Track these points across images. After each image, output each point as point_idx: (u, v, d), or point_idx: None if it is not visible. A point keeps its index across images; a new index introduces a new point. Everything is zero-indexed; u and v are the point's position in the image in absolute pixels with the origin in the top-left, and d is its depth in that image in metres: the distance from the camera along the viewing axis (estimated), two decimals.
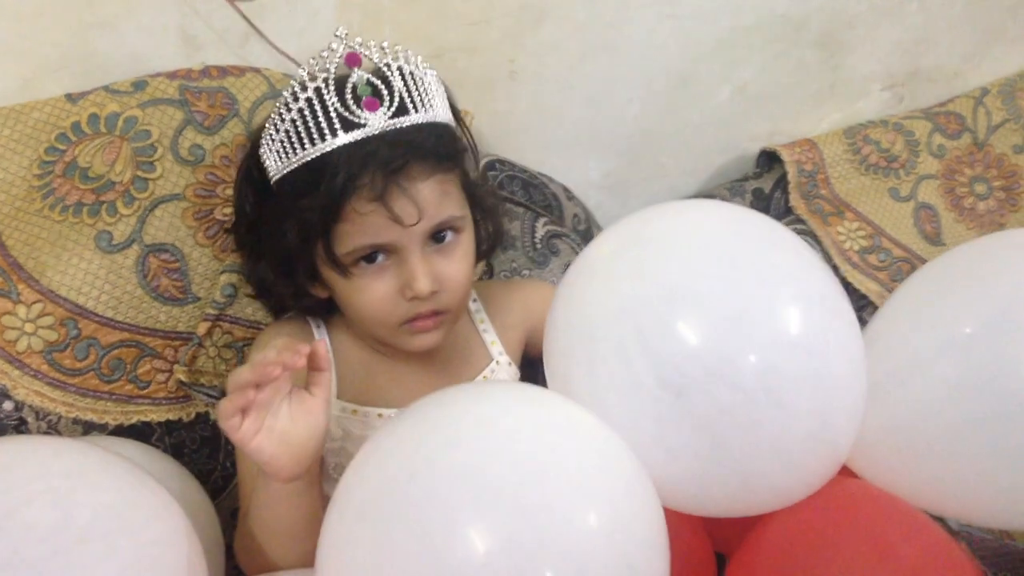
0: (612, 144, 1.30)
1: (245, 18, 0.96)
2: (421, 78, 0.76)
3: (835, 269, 1.25)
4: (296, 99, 0.73)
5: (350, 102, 0.73)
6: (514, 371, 0.92)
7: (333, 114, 0.72)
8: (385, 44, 0.75)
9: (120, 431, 0.88)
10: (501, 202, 0.96)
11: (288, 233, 0.78)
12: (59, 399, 0.85)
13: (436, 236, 0.78)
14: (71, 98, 0.90)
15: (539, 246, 1.09)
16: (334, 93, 0.72)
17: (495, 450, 0.55)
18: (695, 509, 0.67)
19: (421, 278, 0.76)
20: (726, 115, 1.35)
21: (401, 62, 0.75)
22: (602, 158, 1.31)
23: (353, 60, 0.73)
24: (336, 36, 0.74)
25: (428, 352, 0.85)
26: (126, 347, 0.89)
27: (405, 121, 0.74)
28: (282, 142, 0.75)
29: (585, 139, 1.27)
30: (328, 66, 0.73)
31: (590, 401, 0.65)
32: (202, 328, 0.90)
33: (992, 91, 1.48)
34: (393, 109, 0.74)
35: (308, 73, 0.73)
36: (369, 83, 0.73)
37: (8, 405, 0.84)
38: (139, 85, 0.92)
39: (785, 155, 1.33)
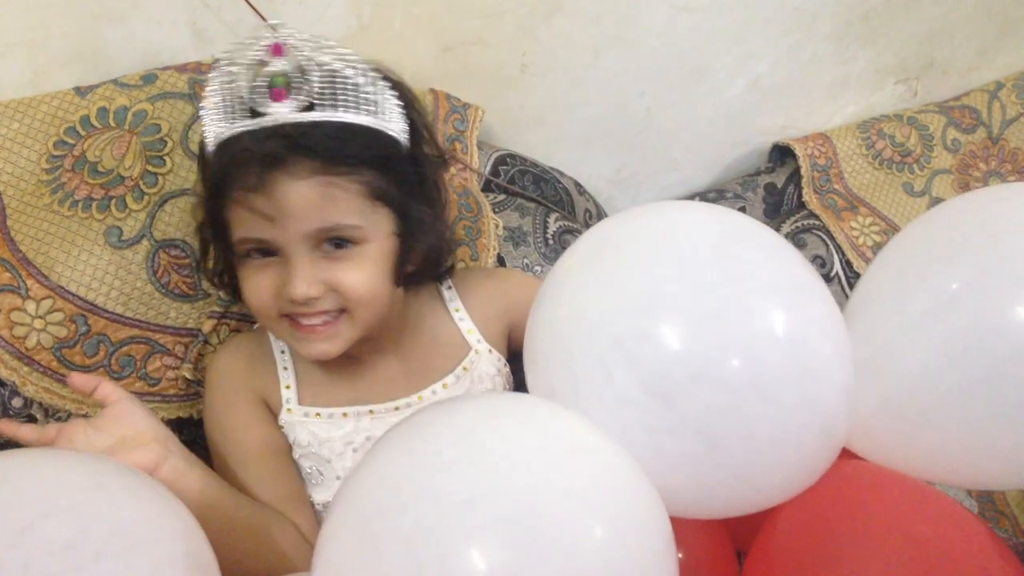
0: (624, 138, 1.29)
1: (256, 11, 0.95)
2: (348, 77, 0.71)
3: (848, 265, 1.24)
4: (212, 80, 0.72)
5: (259, 91, 0.71)
6: (496, 358, 0.90)
7: (239, 100, 0.71)
8: (322, 40, 0.71)
9: None
10: (439, 218, 0.84)
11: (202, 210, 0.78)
12: (68, 396, 0.84)
13: (333, 242, 0.74)
14: (80, 91, 0.89)
15: (551, 242, 1.08)
16: (246, 80, 0.71)
17: (488, 480, 0.53)
18: (701, 514, 0.65)
19: (297, 282, 0.72)
20: (739, 109, 1.34)
21: (327, 59, 0.70)
22: (614, 152, 1.31)
23: (276, 51, 0.71)
24: (269, 26, 0.72)
25: (391, 344, 0.85)
26: (136, 344, 0.88)
27: (308, 117, 0.70)
28: (203, 119, 0.74)
29: (597, 133, 1.26)
30: (247, 52, 0.71)
31: None
32: (207, 325, 0.90)
33: (1007, 85, 1.47)
34: (302, 104, 0.71)
35: (225, 56, 0.71)
36: (285, 75, 0.71)
37: (17, 402, 0.83)
38: (148, 78, 0.91)
39: (798, 149, 1.32)
